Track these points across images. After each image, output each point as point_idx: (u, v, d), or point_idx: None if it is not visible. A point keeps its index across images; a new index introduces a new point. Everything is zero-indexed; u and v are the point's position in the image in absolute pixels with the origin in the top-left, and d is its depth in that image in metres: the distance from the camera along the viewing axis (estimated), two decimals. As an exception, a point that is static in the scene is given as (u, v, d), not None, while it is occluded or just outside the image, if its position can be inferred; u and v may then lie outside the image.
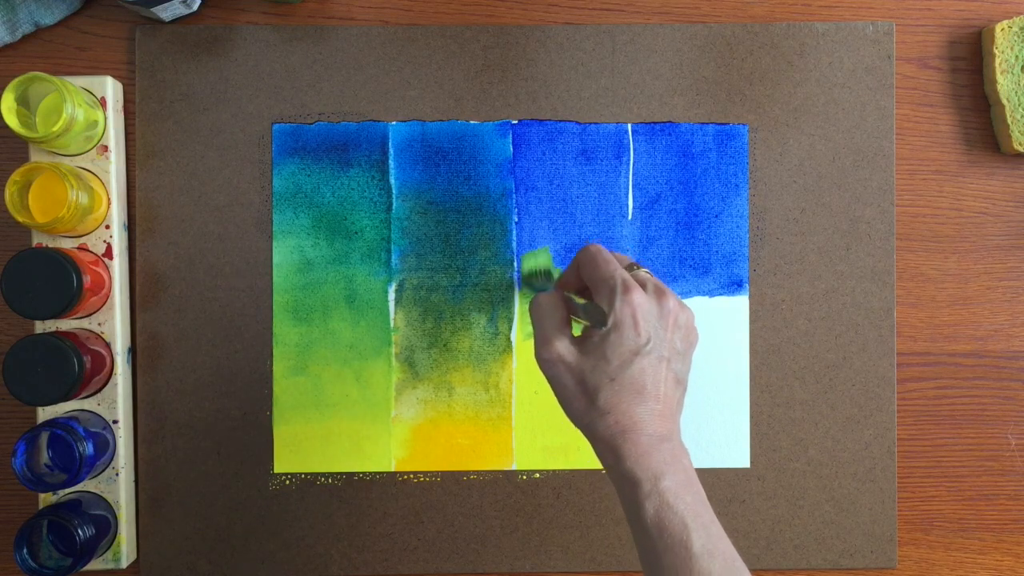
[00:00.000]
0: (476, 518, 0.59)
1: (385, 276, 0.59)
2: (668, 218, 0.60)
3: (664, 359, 0.43)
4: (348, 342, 0.59)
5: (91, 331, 0.57)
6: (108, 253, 0.57)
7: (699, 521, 0.40)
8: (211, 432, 0.58)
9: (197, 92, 0.58)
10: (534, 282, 0.57)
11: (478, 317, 0.59)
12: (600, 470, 0.59)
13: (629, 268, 0.46)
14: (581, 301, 0.45)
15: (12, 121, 0.52)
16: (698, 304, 0.59)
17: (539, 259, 0.57)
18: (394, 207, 0.59)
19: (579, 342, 0.45)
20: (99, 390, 0.57)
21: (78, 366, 0.52)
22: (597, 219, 0.59)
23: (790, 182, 0.59)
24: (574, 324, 0.47)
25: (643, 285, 0.45)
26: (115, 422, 0.57)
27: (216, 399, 0.59)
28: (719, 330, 0.59)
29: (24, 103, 0.53)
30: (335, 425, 0.59)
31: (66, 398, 0.52)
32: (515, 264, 0.59)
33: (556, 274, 0.56)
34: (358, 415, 0.59)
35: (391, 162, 0.59)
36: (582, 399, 0.43)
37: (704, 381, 0.59)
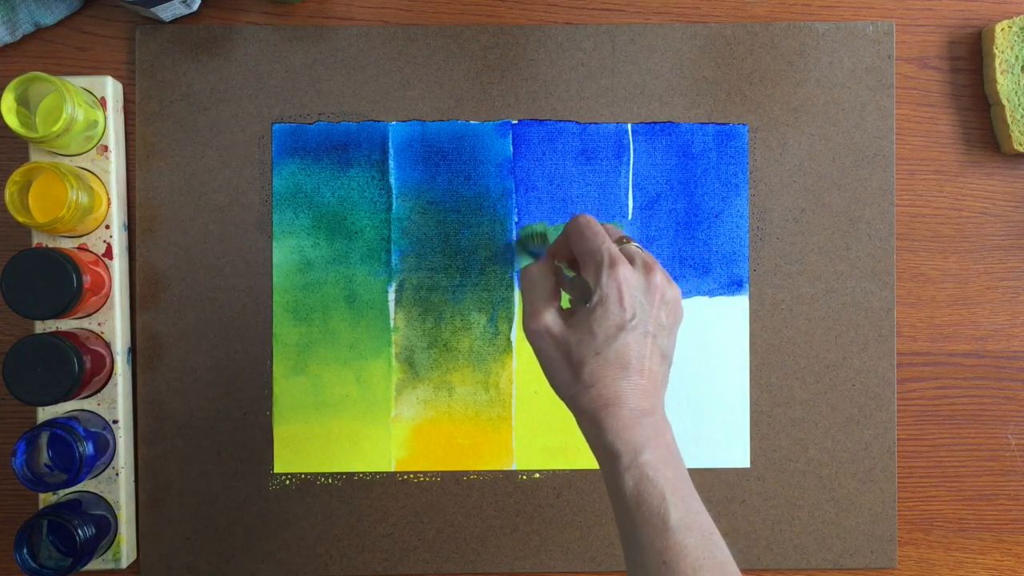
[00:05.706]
0: (476, 518, 0.59)
1: (385, 276, 0.59)
2: (668, 218, 0.60)
3: (650, 334, 0.43)
4: (348, 342, 0.59)
5: (91, 331, 0.56)
6: (108, 253, 0.57)
7: (678, 495, 0.40)
8: (211, 432, 0.58)
9: (197, 92, 0.58)
10: (529, 245, 0.57)
11: (478, 317, 0.59)
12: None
13: (619, 241, 0.46)
14: (570, 274, 0.45)
15: (12, 121, 0.52)
16: (698, 304, 0.59)
17: (536, 226, 0.56)
18: (394, 207, 0.59)
19: (567, 315, 0.45)
20: (99, 390, 0.57)
21: (78, 366, 0.52)
22: (597, 219, 0.59)
23: (790, 182, 0.59)
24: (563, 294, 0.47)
25: (631, 259, 0.45)
26: (115, 422, 0.57)
27: (216, 399, 0.59)
28: (719, 330, 0.59)
29: (24, 103, 0.53)
30: (335, 425, 0.59)
31: (66, 398, 0.52)
32: (515, 264, 0.59)
33: (553, 238, 0.55)
34: (358, 415, 0.59)
35: (391, 162, 0.59)
36: (567, 371, 0.43)
37: (704, 381, 0.59)
